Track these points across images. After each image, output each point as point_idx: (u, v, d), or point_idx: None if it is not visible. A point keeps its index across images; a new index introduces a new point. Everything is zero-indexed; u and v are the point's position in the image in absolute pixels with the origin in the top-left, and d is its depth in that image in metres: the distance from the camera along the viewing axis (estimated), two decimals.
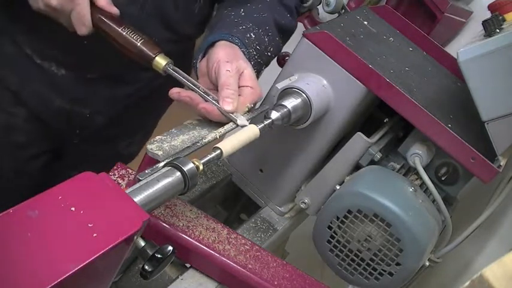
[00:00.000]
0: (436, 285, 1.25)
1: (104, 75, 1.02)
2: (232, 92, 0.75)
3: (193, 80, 0.79)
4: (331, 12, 1.34)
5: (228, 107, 0.74)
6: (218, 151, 0.67)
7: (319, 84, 0.84)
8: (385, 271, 0.80)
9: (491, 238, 1.19)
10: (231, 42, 0.84)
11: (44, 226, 0.46)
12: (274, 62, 1.47)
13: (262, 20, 0.93)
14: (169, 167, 0.61)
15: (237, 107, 0.75)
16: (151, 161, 0.67)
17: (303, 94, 0.80)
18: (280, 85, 0.82)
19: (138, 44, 0.81)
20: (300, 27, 1.46)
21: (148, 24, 0.94)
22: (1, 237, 0.44)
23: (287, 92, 0.81)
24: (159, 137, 0.72)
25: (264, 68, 0.95)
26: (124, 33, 0.81)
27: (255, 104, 0.80)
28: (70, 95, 1.03)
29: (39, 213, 0.47)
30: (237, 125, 0.75)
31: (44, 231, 0.46)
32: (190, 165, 0.61)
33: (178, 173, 0.60)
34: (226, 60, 0.78)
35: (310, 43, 0.85)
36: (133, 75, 1.05)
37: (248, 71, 0.80)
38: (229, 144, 0.69)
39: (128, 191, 0.56)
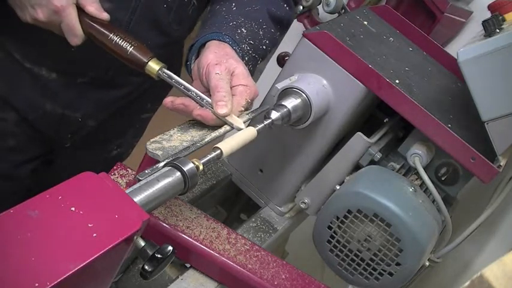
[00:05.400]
0: (436, 285, 1.25)
1: (95, 80, 1.01)
2: (223, 94, 0.73)
3: (186, 84, 0.78)
4: (331, 12, 1.34)
5: (221, 110, 0.73)
6: (218, 151, 0.67)
7: (319, 84, 0.84)
8: (385, 271, 0.80)
9: (491, 238, 1.19)
10: (221, 41, 0.83)
11: (44, 226, 0.46)
12: (274, 62, 1.48)
13: (255, 12, 0.91)
14: (169, 167, 0.61)
15: (231, 108, 0.74)
16: (151, 161, 0.67)
17: (303, 94, 0.80)
18: (280, 85, 0.82)
19: (130, 50, 0.80)
20: (300, 27, 1.46)
21: (139, 28, 0.93)
22: (1, 237, 0.44)
23: (287, 92, 0.81)
24: (159, 136, 0.72)
25: (260, 61, 0.93)
26: (115, 39, 0.80)
27: (252, 101, 0.79)
28: (61, 99, 1.02)
29: (39, 213, 0.47)
30: (233, 128, 0.74)
31: (44, 231, 0.46)
32: (190, 165, 0.61)
33: (178, 173, 0.60)
34: (215, 62, 0.77)
35: (310, 43, 0.85)
36: (124, 78, 1.03)
37: (240, 69, 0.78)
38: (229, 144, 0.69)
39: (128, 191, 0.55)
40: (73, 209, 0.49)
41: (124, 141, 1.23)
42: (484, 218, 0.91)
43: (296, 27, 1.50)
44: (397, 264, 0.79)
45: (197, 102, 0.76)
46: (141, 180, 0.59)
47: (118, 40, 0.80)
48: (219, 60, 0.77)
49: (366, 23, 1.04)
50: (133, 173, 0.80)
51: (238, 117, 0.75)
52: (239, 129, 0.73)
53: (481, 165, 0.80)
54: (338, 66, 0.84)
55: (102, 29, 0.81)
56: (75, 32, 0.81)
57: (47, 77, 0.99)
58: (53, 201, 0.49)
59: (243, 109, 0.76)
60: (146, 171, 0.61)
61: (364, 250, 0.80)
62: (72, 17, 0.80)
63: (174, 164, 0.61)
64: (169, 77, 0.79)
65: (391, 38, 1.06)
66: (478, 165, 0.81)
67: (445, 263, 0.96)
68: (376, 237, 0.79)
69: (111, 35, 0.81)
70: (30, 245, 0.45)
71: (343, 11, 1.34)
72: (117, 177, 0.79)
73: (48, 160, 1.16)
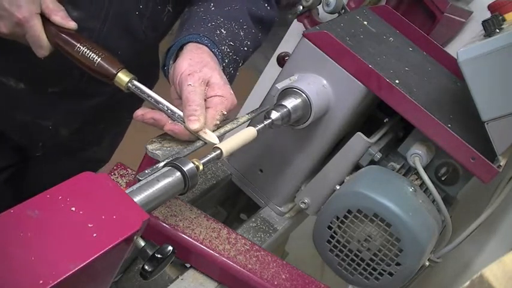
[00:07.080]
0: (436, 285, 1.25)
1: (66, 90, 0.97)
2: (195, 108, 0.69)
3: (157, 97, 0.73)
4: (331, 12, 1.34)
5: (193, 125, 0.68)
6: (218, 151, 0.67)
7: (319, 84, 0.84)
8: (385, 271, 0.80)
9: (491, 238, 1.19)
10: (199, 43, 0.78)
11: (44, 226, 0.46)
12: (274, 62, 1.48)
13: (235, 12, 0.88)
14: (169, 167, 0.61)
15: (204, 123, 0.69)
16: (151, 161, 0.67)
17: (303, 94, 0.80)
18: (280, 85, 0.82)
19: (98, 61, 0.75)
20: (300, 27, 1.46)
21: (111, 36, 0.89)
22: (1, 237, 0.44)
23: (287, 92, 0.81)
24: (159, 136, 0.72)
25: (242, 64, 0.89)
26: (82, 50, 0.76)
27: (229, 113, 0.74)
28: (31, 109, 0.98)
29: (39, 213, 0.47)
30: (205, 143, 0.70)
31: (44, 231, 0.46)
32: (190, 165, 0.61)
33: (178, 173, 0.60)
34: (188, 72, 0.72)
35: (310, 43, 0.85)
36: (97, 88, 0.99)
37: (215, 78, 0.73)
38: (229, 144, 0.69)
39: (128, 191, 0.56)
40: (73, 209, 0.49)
41: (100, 148, 1.19)
42: (484, 218, 0.91)
43: (296, 27, 1.51)
44: (397, 264, 0.79)
45: (168, 116, 0.71)
46: (141, 180, 0.59)
47: (85, 51, 0.76)
48: (193, 70, 0.72)
49: (366, 23, 1.04)
50: (133, 173, 0.80)
51: (213, 131, 0.71)
52: (213, 145, 0.69)
53: (481, 165, 0.80)
54: (338, 66, 0.84)
55: (68, 39, 0.77)
56: (40, 43, 0.77)
57: (15, 87, 0.96)
58: (53, 201, 0.49)
59: (218, 122, 0.72)
60: (146, 171, 0.61)
61: (364, 250, 0.80)
62: (36, 28, 0.76)
63: (174, 164, 0.61)
64: (139, 89, 0.75)
65: (391, 38, 1.06)
66: (478, 165, 0.81)
67: (445, 263, 0.96)
68: (376, 237, 0.79)
69: (78, 45, 0.77)
70: (30, 245, 0.45)
71: (343, 11, 1.34)
72: (117, 177, 0.79)
73: (22, 169, 1.13)
